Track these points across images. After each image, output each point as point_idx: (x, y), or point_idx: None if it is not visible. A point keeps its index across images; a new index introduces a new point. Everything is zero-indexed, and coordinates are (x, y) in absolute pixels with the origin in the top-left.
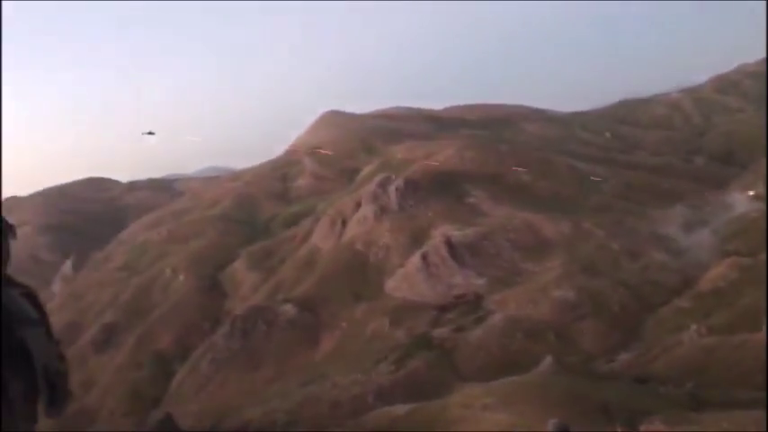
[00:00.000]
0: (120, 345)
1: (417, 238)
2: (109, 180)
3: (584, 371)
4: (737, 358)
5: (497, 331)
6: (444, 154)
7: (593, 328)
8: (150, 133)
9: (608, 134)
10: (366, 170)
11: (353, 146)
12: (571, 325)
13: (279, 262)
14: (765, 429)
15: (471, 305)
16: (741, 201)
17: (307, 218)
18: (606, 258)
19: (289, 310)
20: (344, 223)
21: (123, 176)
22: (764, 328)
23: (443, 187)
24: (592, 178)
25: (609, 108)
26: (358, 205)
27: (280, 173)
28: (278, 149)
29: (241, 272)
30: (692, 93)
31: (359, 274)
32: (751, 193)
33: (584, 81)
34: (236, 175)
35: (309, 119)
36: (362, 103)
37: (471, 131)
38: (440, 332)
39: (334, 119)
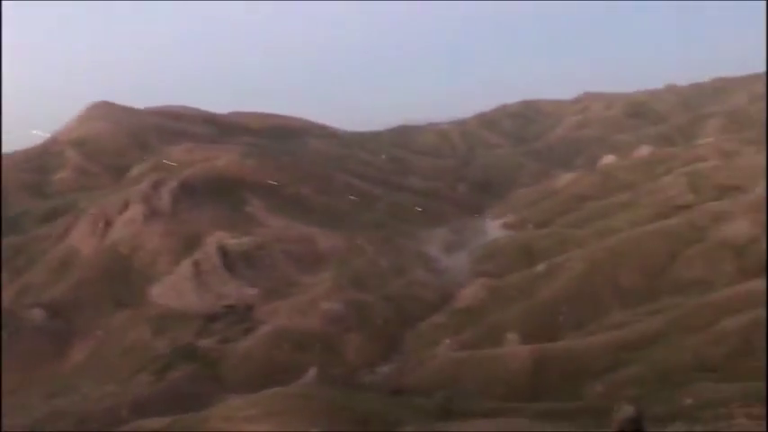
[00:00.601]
0: None
1: (189, 245)
2: None
3: (346, 382)
4: (482, 370)
5: (265, 342)
6: (224, 159)
7: (357, 340)
8: None
9: (384, 156)
10: (138, 168)
11: (126, 141)
12: (337, 337)
13: (29, 262)
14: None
15: (241, 315)
16: (494, 227)
17: (65, 215)
18: (374, 273)
19: (37, 315)
20: (109, 224)
21: None
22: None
23: (221, 193)
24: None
25: (387, 132)
26: (126, 206)
27: (36, 163)
28: (36, 138)
29: None
30: (460, 125)
31: (121, 280)
32: (502, 220)
33: (366, 103)
34: None
35: (76, 108)
36: (139, 98)
37: (254, 139)
38: (205, 342)
39: (106, 111)
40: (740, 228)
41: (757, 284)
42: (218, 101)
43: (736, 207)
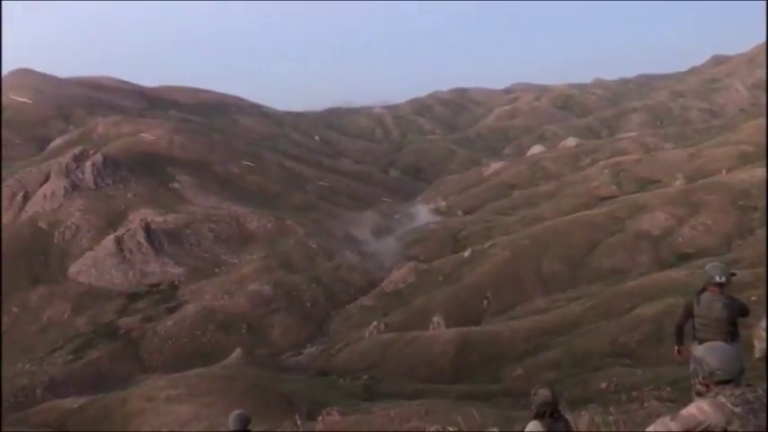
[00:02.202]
0: None
1: (112, 221)
2: None
3: (272, 364)
4: (407, 353)
5: (189, 322)
6: (152, 134)
7: (285, 321)
8: None
9: (317, 138)
10: (60, 140)
11: (47, 112)
12: (264, 318)
13: None
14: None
15: (164, 295)
16: (423, 212)
17: None
18: (304, 255)
19: None
20: (27, 197)
21: None
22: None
23: (147, 169)
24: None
25: (320, 113)
26: (46, 178)
27: None
28: None
29: None
30: (393, 110)
31: (39, 256)
32: (431, 206)
33: (300, 84)
34: None
35: None
36: (63, 67)
37: (183, 114)
38: (127, 321)
39: (27, 79)
40: (657, 220)
41: (671, 274)
42: (147, 73)
43: (654, 200)
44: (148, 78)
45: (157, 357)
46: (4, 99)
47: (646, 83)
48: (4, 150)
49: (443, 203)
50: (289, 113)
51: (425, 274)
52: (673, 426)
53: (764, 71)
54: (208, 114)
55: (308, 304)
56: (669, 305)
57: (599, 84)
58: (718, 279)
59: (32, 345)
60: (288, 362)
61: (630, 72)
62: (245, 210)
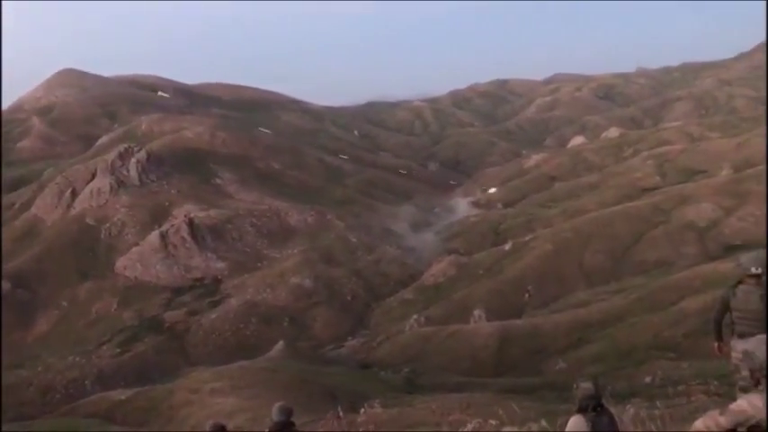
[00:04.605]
0: None
1: (157, 217)
2: None
3: (313, 356)
4: (448, 346)
5: (232, 315)
6: (194, 131)
7: (325, 314)
8: None
9: (356, 132)
10: (105, 138)
11: (93, 111)
12: (306, 311)
13: None
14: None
15: (208, 289)
16: (463, 205)
17: (30, 184)
18: (344, 249)
19: (1, 285)
20: (75, 194)
21: None
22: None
23: (190, 165)
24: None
25: (359, 107)
26: (93, 176)
27: None
28: None
29: None
30: (432, 103)
31: (87, 251)
32: (471, 199)
33: (338, 78)
34: None
35: (41, 75)
36: (106, 66)
37: (224, 111)
38: (172, 315)
39: (73, 78)
40: (703, 211)
41: (718, 266)
42: (189, 71)
43: (700, 190)
44: (190, 76)
45: (202, 350)
46: (51, 98)
47: (690, 71)
48: (50, 148)
49: (483, 196)
50: (328, 108)
51: (465, 267)
52: (722, 420)
53: None
54: (248, 111)
55: (349, 297)
56: (716, 298)
57: (642, 73)
58: (754, 270)
59: (82, 338)
60: (329, 354)
61: (674, 60)
62: (285, 204)
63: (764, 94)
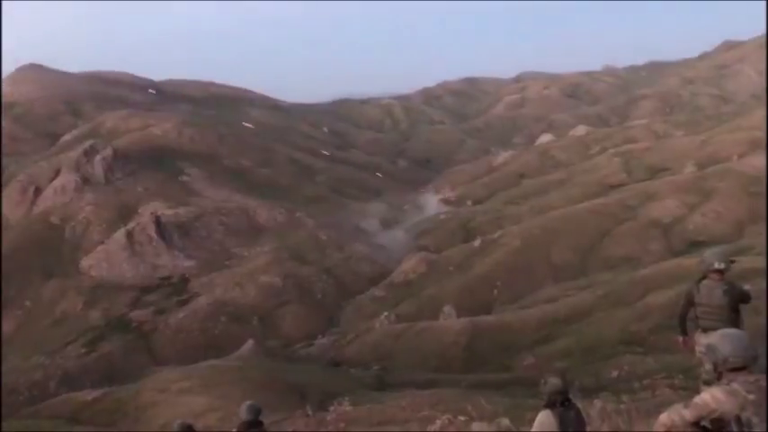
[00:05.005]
0: None
1: (123, 215)
2: None
3: (283, 355)
4: (418, 343)
5: (201, 315)
6: (161, 128)
7: (295, 313)
8: None
9: (326, 129)
10: (70, 135)
11: (57, 107)
12: (275, 310)
13: None
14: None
15: (176, 287)
16: (432, 203)
17: None
18: (314, 247)
19: None
20: (38, 192)
21: None
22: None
23: (157, 163)
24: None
25: (329, 104)
26: (57, 173)
27: None
28: None
29: None
30: (403, 100)
31: (51, 250)
32: (441, 196)
33: (309, 76)
34: None
35: (3, 71)
36: (71, 61)
37: (192, 108)
38: (139, 314)
39: (36, 74)
40: (668, 207)
41: (682, 262)
42: (156, 67)
43: (665, 187)
44: (157, 72)
45: (170, 350)
46: (13, 94)
47: (656, 70)
48: (14, 145)
49: (453, 193)
50: (298, 105)
51: (435, 264)
52: (686, 413)
53: None
54: (217, 107)
55: (319, 296)
56: (680, 293)
57: (608, 71)
58: (717, 266)
59: (46, 338)
60: (299, 353)
61: (640, 59)
62: (255, 202)
63: (724, 93)
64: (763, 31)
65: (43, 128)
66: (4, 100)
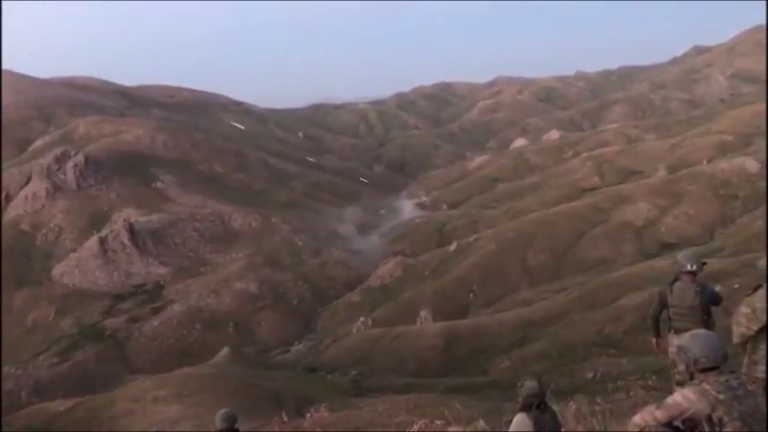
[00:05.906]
0: None
1: (96, 222)
2: None
3: (259, 361)
4: (395, 347)
5: (175, 322)
6: (134, 134)
7: (271, 319)
8: None
9: (301, 134)
10: (41, 141)
11: (28, 113)
12: (251, 316)
13: None
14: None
15: (150, 295)
16: (408, 207)
17: None
18: (289, 252)
19: None
20: (9, 199)
21: None
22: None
23: (130, 169)
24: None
25: (304, 110)
26: (28, 180)
27: None
28: None
29: None
30: (377, 105)
31: (22, 258)
32: (416, 201)
33: (283, 81)
34: None
35: None
36: (42, 67)
37: (165, 113)
38: (112, 322)
39: (6, 80)
40: (640, 210)
41: (654, 264)
42: (127, 72)
43: (637, 190)
44: (130, 78)
45: (144, 358)
46: None
47: (627, 74)
48: None
49: (428, 198)
50: (272, 111)
51: (411, 268)
52: (658, 414)
53: (743, 61)
54: (190, 112)
55: (295, 301)
56: (653, 295)
57: (581, 76)
58: (689, 267)
59: (17, 348)
60: (276, 359)
61: (612, 64)
62: (229, 208)
63: (693, 98)
64: (731, 36)
65: (14, 134)
66: None
